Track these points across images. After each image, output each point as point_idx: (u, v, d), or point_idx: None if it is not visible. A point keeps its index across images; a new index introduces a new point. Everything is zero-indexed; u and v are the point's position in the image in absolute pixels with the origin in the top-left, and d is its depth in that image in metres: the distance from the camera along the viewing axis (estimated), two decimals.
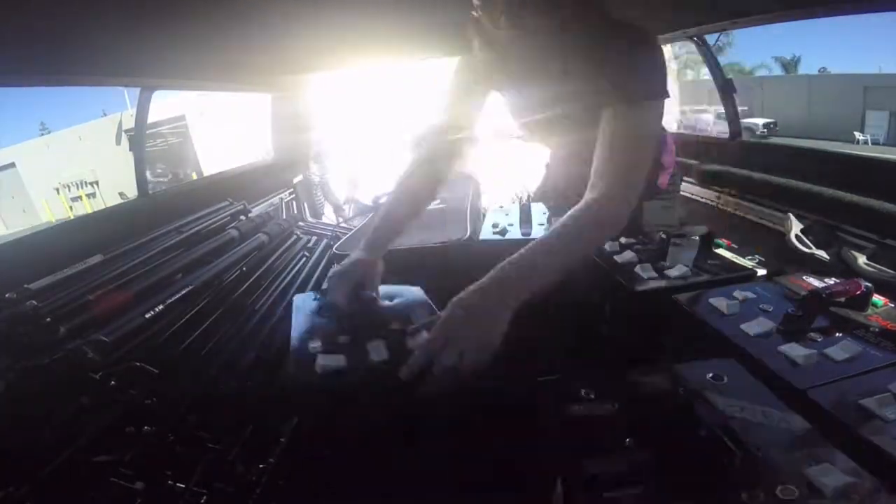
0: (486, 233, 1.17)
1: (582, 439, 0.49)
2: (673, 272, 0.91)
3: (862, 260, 0.95)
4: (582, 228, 0.75)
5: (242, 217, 1.60)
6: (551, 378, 0.58)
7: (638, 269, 0.93)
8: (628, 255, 0.99)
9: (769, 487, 0.41)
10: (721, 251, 1.01)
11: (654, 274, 0.91)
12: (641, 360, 0.66)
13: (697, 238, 1.02)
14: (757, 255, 0.97)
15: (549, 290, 0.68)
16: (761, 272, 0.91)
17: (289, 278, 1.26)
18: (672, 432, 0.48)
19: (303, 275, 1.29)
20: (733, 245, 1.04)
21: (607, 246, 1.06)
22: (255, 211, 1.76)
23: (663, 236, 1.00)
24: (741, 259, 0.96)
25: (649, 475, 0.44)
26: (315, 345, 0.72)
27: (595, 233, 0.79)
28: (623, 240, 1.09)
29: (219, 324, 0.99)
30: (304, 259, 1.42)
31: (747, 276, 0.90)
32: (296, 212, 2.39)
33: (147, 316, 0.93)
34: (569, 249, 0.74)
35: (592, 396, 0.55)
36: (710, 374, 0.57)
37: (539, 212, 1.27)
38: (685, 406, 0.49)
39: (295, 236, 1.63)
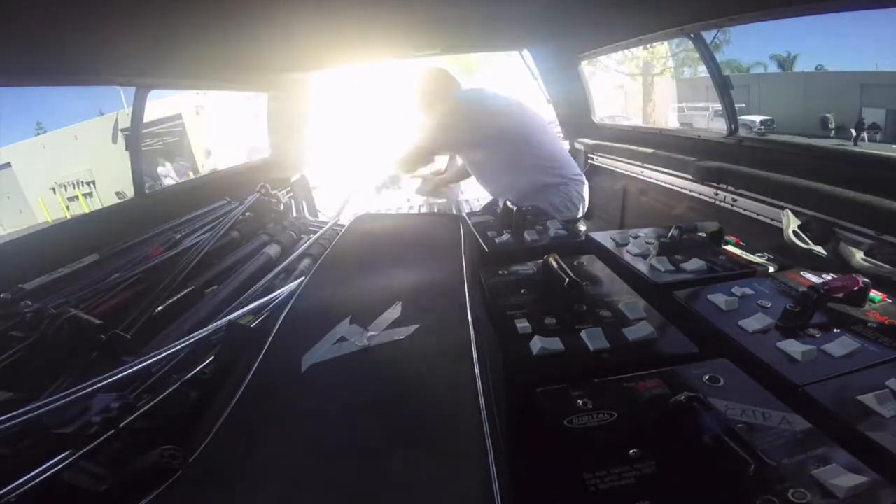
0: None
1: (582, 451, 0.48)
2: (689, 266, 0.92)
3: (859, 256, 0.95)
4: None
5: (241, 216, 1.59)
6: (550, 388, 0.57)
7: (654, 262, 0.94)
8: (643, 248, 1.01)
9: (780, 493, 0.41)
10: (730, 248, 1.02)
11: (671, 267, 0.92)
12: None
13: (706, 234, 1.03)
14: (766, 253, 0.98)
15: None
16: (772, 269, 0.92)
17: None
18: (674, 440, 0.47)
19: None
20: (741, 242, 1.05)
21: (619, 238, 1.09)
22: None
23: (675, 232, 1.01)
24: (751, 255, 0.97)
25: (655, 488, 0.43)
26: (523, 325, 0.72)
27: None
28: (638, 234, 1.11)
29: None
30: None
31: (760, 272, 0.91)
32: (294, 210, 2.38)
33: (145, 317, 0.92)
34: None
35: (590, 406, 0.54)
36: (707, 377, 0.57)
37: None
38: (686, 412, 0.48)
39: (293, 235, 1.62)
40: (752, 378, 0.57)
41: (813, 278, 0.83)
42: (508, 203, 1.31)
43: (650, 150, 1.91)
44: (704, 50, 1.62)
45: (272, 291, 1.04)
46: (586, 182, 1.90)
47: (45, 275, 0.99)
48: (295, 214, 2.27)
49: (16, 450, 0.50)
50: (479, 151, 1.83)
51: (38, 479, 0.46)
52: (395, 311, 0.73)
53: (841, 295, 0.74)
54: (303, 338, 0.70)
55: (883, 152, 1.08)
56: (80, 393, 0.58)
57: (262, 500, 0.45)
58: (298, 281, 0.95)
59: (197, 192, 1.80)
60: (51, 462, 0.48)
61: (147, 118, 1.63)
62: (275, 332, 0.73)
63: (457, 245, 1.05)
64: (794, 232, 1.07)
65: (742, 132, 1.61)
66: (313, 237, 1.57)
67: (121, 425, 0.55)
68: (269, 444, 0.52)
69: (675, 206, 1.77)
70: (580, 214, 1.86)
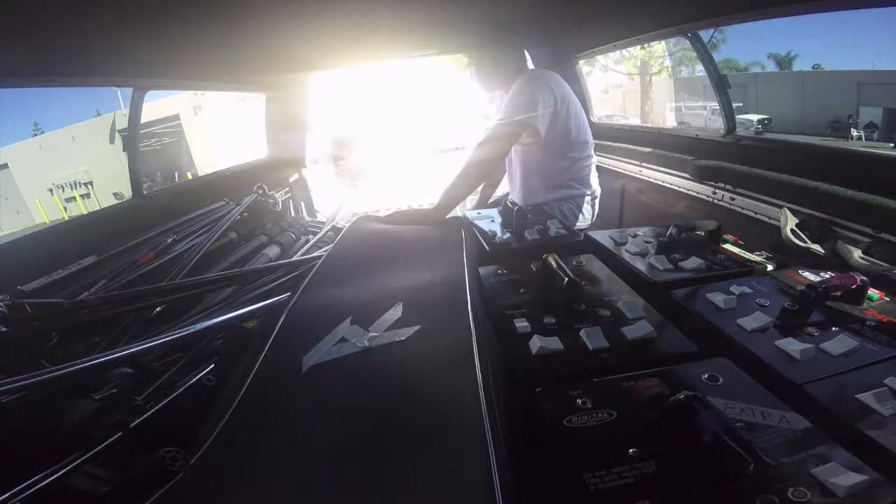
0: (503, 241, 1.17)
1: (581, 450, 0.48)
2: (687, 264, 0.92)
3: (857, 254, 0.96)
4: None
5: (238, 217, 1.59)
6: (549, 388, 0.57)
7: (653, 260, 0.94)
8: (641, 247, 1.01)
9: (780, 491, 0.40)
10: (728, 246, 1.02)
11: (669, 266, 0.92)
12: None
13: (704, 233, 1.03)
14: (764, 251, 0.98)
15: None
16: (771, 267, 0.92)
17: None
18: (674, 439, 0.47)
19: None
20: (740, 241, 1.05)
21: (617, 237, 1.10)
22: None
23: (674, 231, 1.01)
24: (749, 254, 0.97)
25: (655, 487, 0.42)
26: (523, 324, 0.72)
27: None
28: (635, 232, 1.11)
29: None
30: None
31: (758, 271, 0.91)
32: (292, 211, 2.38)
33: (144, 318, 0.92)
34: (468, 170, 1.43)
35: (590, 405, 0.53)
36: (706, 376, 0.57)
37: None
38: (685, 411, 0.48)
39: (292, 236, 1.62)
40: (751, 377, 0.57)
41: (811, 276, 0.83)
42: (510, 203, 1.31)
43: (648, 150, 1.91)
44: (702, 49, 1.62)
45: (272, 293, 1.04)
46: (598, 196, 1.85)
47: (43, 276, 0.99)
48: (293, 215, 2.27)
49: (26, 451, 0.50)
50: (549, 132, 1.60)
51: (47, 481, 0.46)
52: (395, 312, 0.73)
53: (839, 293, 0.74)
54: (304, 339, 0.70)
55: (881, 151, 1.09)
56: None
57: (264, 501, 0.45)
58: (298, 282, 0.95)
59: (195, 193, 1.80)
60: (59, 464, 0.48)
61: (144, 119, 1.63)
62: (275, 333, 0.73)
63: (458, 245, 1.05)
64: (793, 230, 1.08)
65: (740, 131, 1.62)
66: (313, 239, 1.57)
67: (131, 425, 0.55)
68: (270, 444, 0.52)
69: (673, 205, 1.77)
70: (583, 225, 1.80)
